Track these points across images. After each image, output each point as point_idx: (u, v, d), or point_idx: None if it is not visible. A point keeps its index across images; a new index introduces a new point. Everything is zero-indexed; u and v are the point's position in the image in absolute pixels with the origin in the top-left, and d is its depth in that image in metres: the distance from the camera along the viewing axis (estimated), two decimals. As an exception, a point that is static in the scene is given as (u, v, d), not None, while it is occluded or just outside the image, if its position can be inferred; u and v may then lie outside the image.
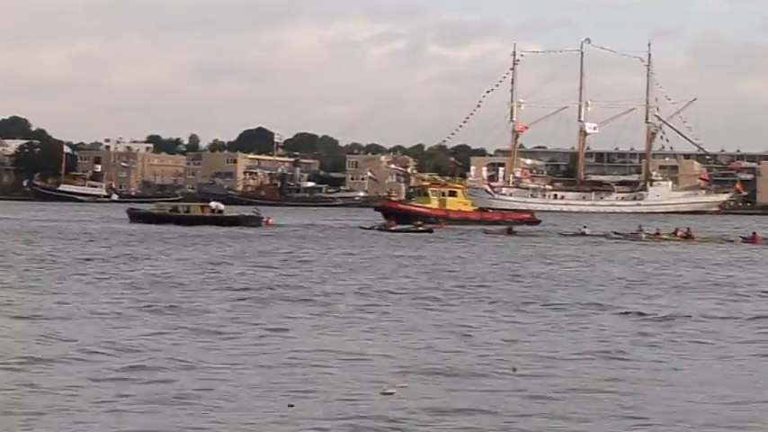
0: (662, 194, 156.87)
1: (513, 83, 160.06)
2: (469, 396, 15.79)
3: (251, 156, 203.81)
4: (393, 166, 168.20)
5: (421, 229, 74.79)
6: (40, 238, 59.08)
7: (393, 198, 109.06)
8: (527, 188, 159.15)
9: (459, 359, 19.11)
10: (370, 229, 76.08)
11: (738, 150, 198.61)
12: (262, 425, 13.85)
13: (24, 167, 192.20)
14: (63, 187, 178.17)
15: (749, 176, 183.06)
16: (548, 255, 52.27)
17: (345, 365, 18.30)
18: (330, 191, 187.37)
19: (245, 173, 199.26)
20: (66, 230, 69.81)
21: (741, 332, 23.79)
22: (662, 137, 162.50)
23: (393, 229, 74.77)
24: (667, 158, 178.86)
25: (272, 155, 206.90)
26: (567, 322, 24.92)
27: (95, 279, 34.28)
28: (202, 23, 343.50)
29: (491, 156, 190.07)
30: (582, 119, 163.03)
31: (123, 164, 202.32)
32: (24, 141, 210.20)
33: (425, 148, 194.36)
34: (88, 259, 43.50)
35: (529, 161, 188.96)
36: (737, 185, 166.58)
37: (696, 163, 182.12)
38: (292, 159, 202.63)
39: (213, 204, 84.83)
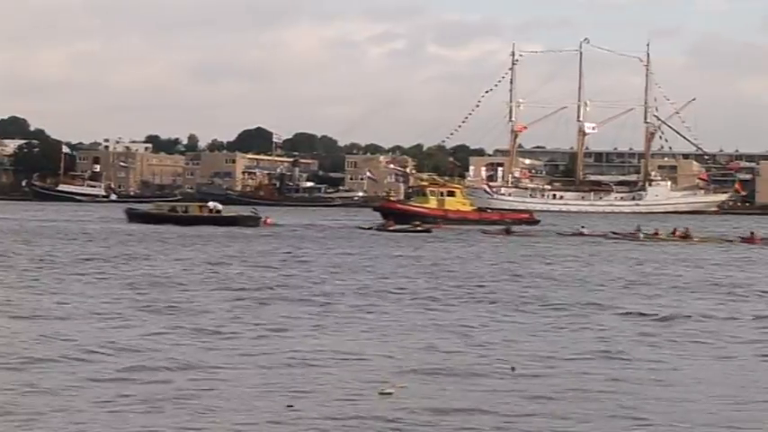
0: (661, 194, 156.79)
1: (512, 83, 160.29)
2: (469, 396, 15.77)
3: (250, 156, 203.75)
4: (392, 166, 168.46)
5: (419, 229, 74.78)
6: (39, 239, 59.04)
7: (392, 198, 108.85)
8: (526, 188, 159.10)
9: (459, 359, 19.10)
10: (368, 229, 76.04)
11: (737, 150, 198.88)
12: (261, 425, 13.84)
13: (23, 167, 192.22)
14: (62, 187, 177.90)
15: (748, 176, 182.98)
16: (546, 255, 52.26)
17: (344, 365, 18.29)
18: (329, 191, 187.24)
19: (243, 173, 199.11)
20: (65, 230, 69.75)
21: (741, 332, 23.79)
22: (661, 137, 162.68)
23: (391, 229, 74.74)
24: (666, 158, 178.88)
25: (270, 155, 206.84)
26: (567, 322, 24.91)
27: (94, 279, 34.29)
28: (202, 23, 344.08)
29: (490, 156, 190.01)
30: (581, 119, 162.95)
31: (122, 164, 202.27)
32: (23, 141, 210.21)
33: (424, 148, 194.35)
34: (87, 259, 43.52)
35: (528, 161, 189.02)
36: (736, 185, 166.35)
37: (695, 163, 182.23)
38: (291, 159, 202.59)
39: (211, 204, 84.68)
